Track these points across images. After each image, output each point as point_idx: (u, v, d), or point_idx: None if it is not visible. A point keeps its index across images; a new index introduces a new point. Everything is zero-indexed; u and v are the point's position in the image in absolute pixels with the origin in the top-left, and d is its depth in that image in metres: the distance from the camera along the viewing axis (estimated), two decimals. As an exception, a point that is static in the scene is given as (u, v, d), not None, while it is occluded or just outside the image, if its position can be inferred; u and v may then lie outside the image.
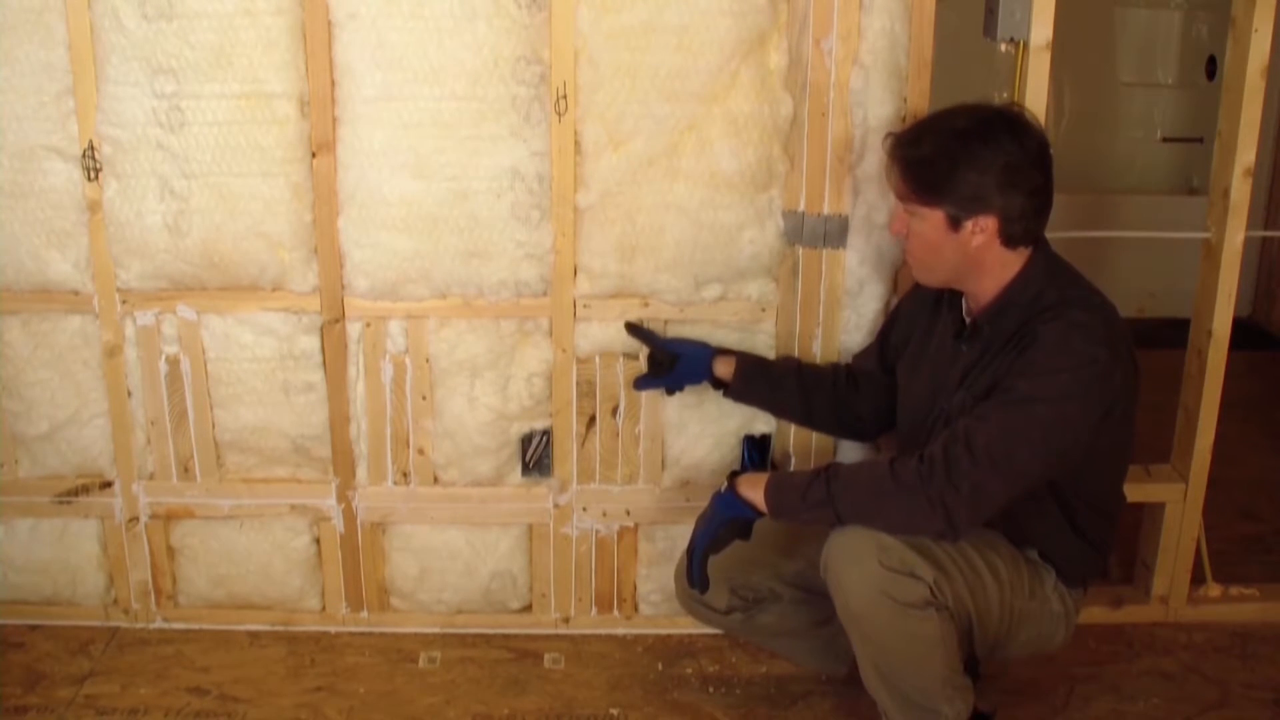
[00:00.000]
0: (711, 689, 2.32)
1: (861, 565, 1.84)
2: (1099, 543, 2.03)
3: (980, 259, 1.90)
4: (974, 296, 1.97)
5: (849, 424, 2.25)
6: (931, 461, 1.80)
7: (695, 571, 1.97)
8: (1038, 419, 1.80)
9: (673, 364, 2.23)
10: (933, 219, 1.89)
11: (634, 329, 2.28)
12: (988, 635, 1.97)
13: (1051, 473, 1.87)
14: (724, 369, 2.22)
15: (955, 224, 1.87)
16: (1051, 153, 1.91)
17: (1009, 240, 1.89)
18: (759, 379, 2.22)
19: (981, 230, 1.87)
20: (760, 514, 1.93)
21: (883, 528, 1.85)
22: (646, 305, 2.29)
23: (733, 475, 1.98)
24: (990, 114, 1.90)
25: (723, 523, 1.95)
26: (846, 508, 1.86)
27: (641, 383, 2.27)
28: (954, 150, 1.85)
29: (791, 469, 2.37)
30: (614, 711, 2.26)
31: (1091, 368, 1.81)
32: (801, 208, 2.24)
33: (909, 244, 1.96)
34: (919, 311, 2.12)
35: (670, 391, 2.29)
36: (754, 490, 1.92)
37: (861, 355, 2.26)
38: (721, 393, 2.25)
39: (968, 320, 1.99)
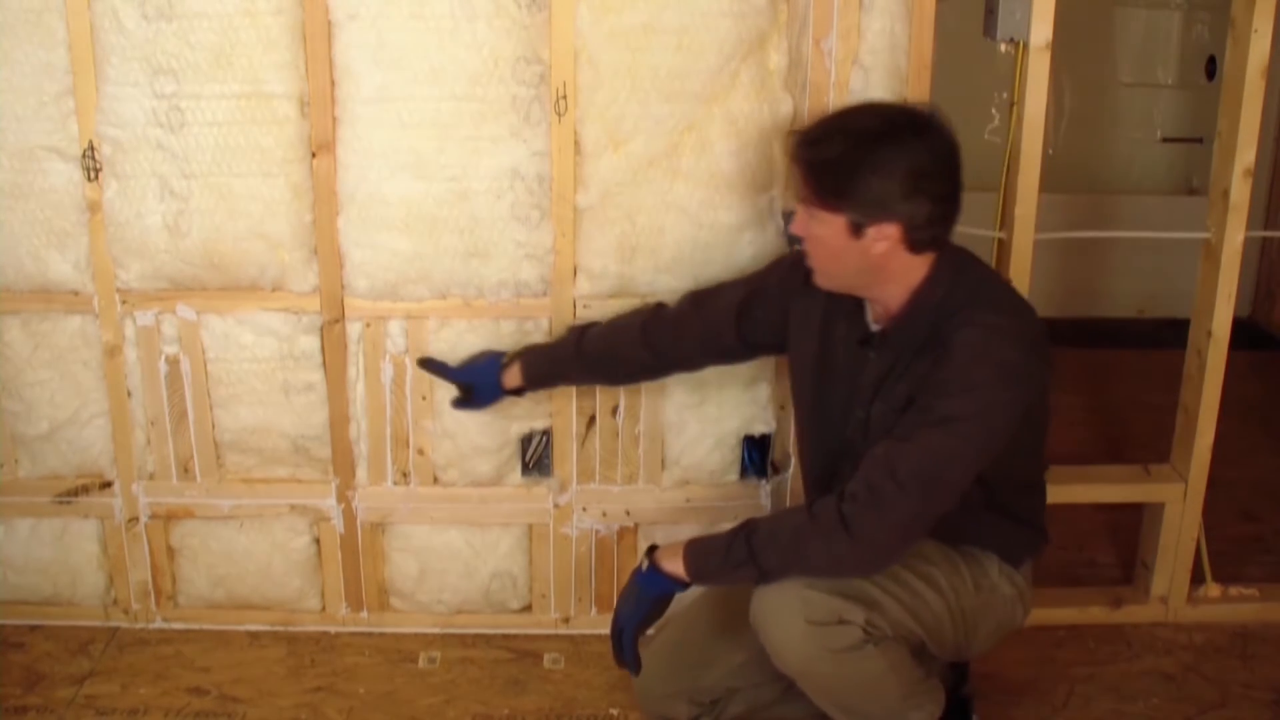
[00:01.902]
0: (711, 689, 2.32)
1: (789, 627, 1.80)
2: (1032, 518, 2.01)
3: (883, 266, 1.81)
4: (880, 303, 1.89)
5: (671, 367, 2.21)
6: (854, 498, 1.74)
7: (627, 653, 1.93)
8: (963, 436, 1.74)
9: (470, 391, 2.24)
10: (833, 224, 1.79)
11: (426, 363, 2.27)
12: (946, 643, 1.94)
13: (973, 478, 1.81)
14: (512, 379, 2.21)
15: (857, 230, 1.78)
16: (960, 157, 1.81)
17: (913, 247, 1.80)
18: (543, 365, 2.20)
19: (885, 238, 1.77)
20: (685, 585, 1.89)
21: (811, 575, 1.80)
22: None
23: (650, 550, 1.94)
24: (898, 115, 1.81)
25: (649, 602, 1.91)
26: (771, 563, 1.80)
27: (457, 404, 2.28)
28: (858, 153, 1.76)
29: (790, 470, 2.37)
30: (614, 711, 2.26)
31: (1011, 374, 1.76)
32: (801, 208, 2.24)
33: (808, 247, 1.88)
34: (809, 308, 2.00)
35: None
36: (674, 563, 1.87)
37: (710, 305, 2.13)
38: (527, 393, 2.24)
39: (875, 328, 1.92)
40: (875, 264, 1.81)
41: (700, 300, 2.15)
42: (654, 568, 1.90)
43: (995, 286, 1.88)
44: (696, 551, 1.87)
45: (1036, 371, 1.80)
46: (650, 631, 1.98)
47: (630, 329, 2.16)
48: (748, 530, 1.83)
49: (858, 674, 1.83)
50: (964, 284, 1.83)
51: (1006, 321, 1.80)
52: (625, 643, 1.93)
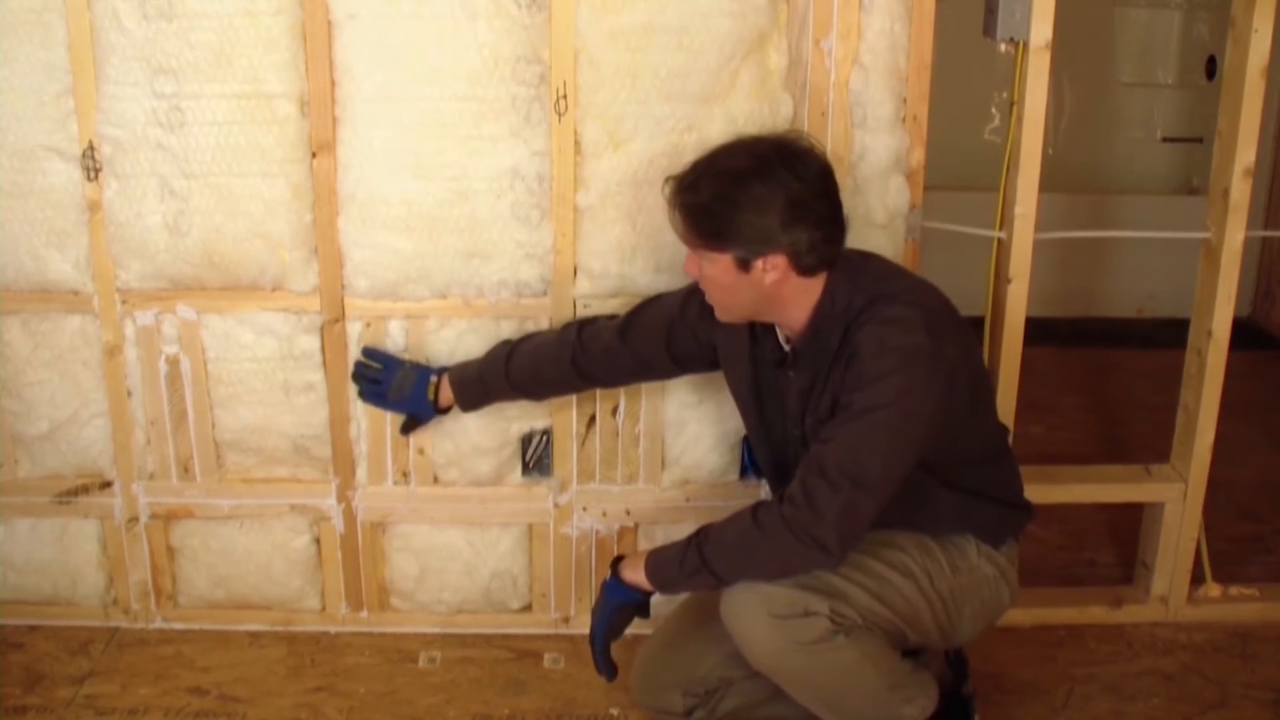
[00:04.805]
0: (711, 689, 2.32)
1: (753, 623, 1.83)
2: (1002, 495, 2.01)
3: (778, 293, 1.85)
4: (785, 324, 1.93)
5: (602, 386, 2.27)
6: (791, 499, 1.79)
7: (600, 661, 1.98)
8: (881, 425, 1.76)
9: (412, 418, 2.27)
10: (722, 262, 1.83)
11: (363, 395, 2.30)
12: (927, 628, 1.95)
13: (911, 466, 1.82)
14: (446, 398, 2.24)
15: (744, 266, 1.82)
16: (834, 177, 1.84)
17: (804, 271, 1.83)
18: (475, 390, 2.22)
19: (773, 268, 1.81)
20: (649, 593, 1.93)
21: (763, 578, 1.83)
22: (646, 305, 2.29)
23: (616, 561, 1.99)
24: (765, 149, 1.82)
25: (614, 610, 1.96)
26: (723, 568, 1.84)
27: (404, 430, 2.31)
28: (731, 194, 1.79)
29: None
30: (614, 711, 2.26)
31: (917, 358, 1.78)
32: (801, 208, 2.24)
33: (704, 286, 1.91)
34: (734, 334, 2.02)
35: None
36: (636, 572, 1.93)
37: (638, 336, 2.13)
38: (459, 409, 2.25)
39: (787, 348, 1.95)
40: (769, 293, 1.85)
41: (626, 331, 2.15)
42: (617, 578, 1.95)
43: (892, 281, 1.89)
44: (656, 561, 1.92)
45: (945, 350, 1.81)
46: (648, 632, 1.99)
47: (560, 360, 2.17)
48: (700, 538, 1.87)
49: (832, 666, 1.84)
50: (862, 288, 1.86)
51: (905, 311, 1.82)
52: (595, 651, 1.98)
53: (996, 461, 2.02)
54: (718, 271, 1.85)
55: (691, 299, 2.08)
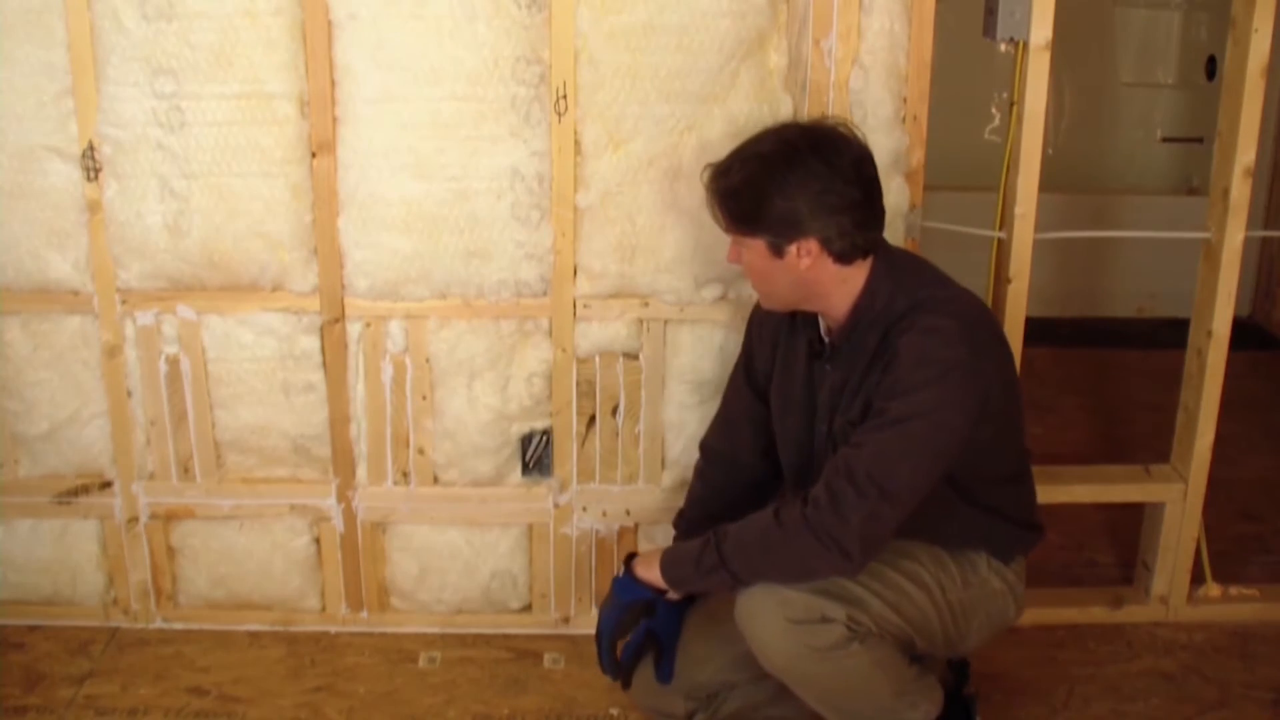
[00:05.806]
0: (711, 689, 2.32)
1: (769, 625, 1.82)
2: (1017, 513, 2.01)
3: (815, 279, 1.85)
4: (826, 314, 1.93)
5: (764, 472, 2.15)
6: (816, 502, 1.77)
7: (604, 658, 1.97)
8: (913, 436, 1.76)
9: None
10: (756, 248, 1.85)
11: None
12: (935, 638, 1.95)
13: (937, 479, 1.82)
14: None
15: (778, 251, 1.83)
16: (872, 165, 1.84)
17: (839, 258, 1.84)
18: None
19: (807, 253, 1.82)
20: (661, 592, 1.93)
21: (781, 580, 1.82)
22: (646, 305, 2.30)
23: (629, 557, 1.98)
24: (797, 135, 1.84)
25: (624, 608, 1.95)
26: (741, 568, 1.83)
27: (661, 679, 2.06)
28: (759, 178, 1.81)
29: None
30: (614, 711, 2.26)
31: (955, 372, 1.77)
32: (801, 208, 2.24)
33: (746, 274, 1.93)
34: (775, 334, 2.05)
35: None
36: (649, 569, 1.93)
37: (729, 399, 2.16)
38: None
39: (826, 340, 1.95)
40: (805, 279, 1.86)
41: (722, 407, 2.18)
42: (629, 574, 1.95)
43: (936, 288, 1.89)
44: (671, 558, 1.92)
45: (983, 367, 1.81)
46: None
47: (712, 487, 2.17)
48: (718, 536, 1.86)
49: (844, 672, 1.84)
50: (904, 290, 1.86)
51: (949, 322, 1.81)
52: (601, 648, 1.97)
53: (1018, 482, 2.02)
54: (754, 257, 1.87)
55: (749, 323, 2.12)
